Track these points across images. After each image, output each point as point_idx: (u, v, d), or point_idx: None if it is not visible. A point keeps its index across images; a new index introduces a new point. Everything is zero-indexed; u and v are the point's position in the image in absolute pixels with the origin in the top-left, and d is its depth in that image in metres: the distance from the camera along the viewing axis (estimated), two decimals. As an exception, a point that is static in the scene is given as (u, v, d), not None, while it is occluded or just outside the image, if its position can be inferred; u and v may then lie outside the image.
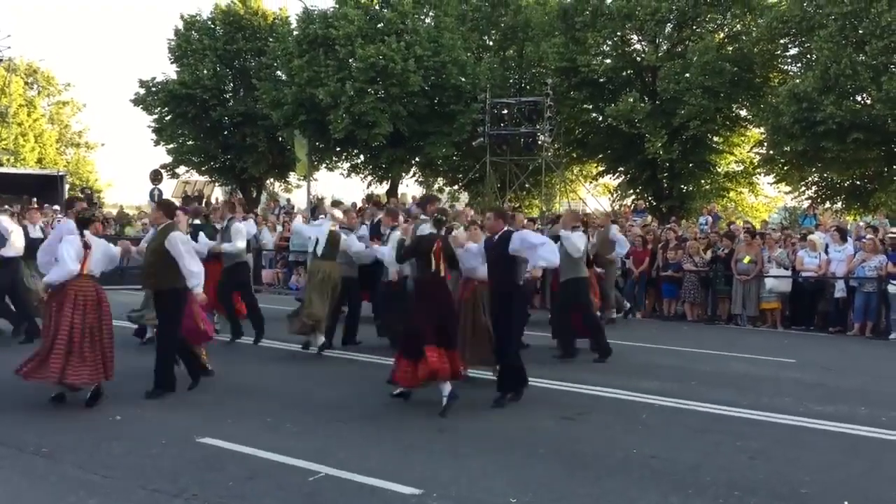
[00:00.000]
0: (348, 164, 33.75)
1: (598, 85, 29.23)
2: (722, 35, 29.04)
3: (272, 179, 37.91)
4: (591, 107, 30.67)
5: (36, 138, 43.93)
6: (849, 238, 15.32)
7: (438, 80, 28.88)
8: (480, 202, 30.31)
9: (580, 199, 33.44)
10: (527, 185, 32.03)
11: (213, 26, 33.32)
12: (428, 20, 30.81)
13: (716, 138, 29.91)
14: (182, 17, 33.53)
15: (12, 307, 11.27)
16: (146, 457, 5.98)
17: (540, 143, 29.06)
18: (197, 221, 11.07)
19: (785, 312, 15.11)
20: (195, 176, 35.38)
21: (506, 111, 29.61)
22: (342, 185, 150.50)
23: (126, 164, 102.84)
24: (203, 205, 16.03)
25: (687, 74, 26.66)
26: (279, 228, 21.06)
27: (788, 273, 14.92)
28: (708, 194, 29.66)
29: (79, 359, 7.26)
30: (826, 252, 14.87)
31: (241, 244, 11.10)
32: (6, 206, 16.38)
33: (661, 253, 16.20)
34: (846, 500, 5.38)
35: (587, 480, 5.67)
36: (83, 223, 7.70)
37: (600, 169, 33.87)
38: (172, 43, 33.27)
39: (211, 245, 10.58)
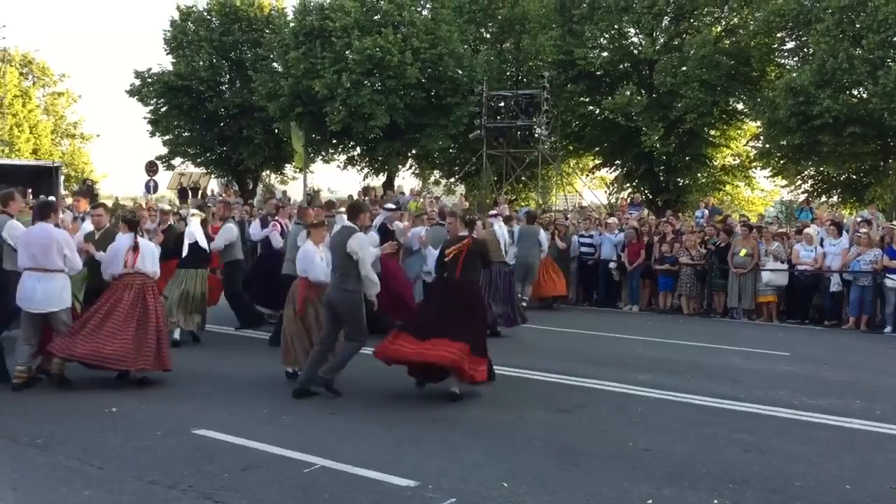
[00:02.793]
0: (344, 157, 33.73)
1: (595, 78, 29.22)
2: (719, 28, 29.04)
3: (268, 171, 37.79)
4: (587, 100, 30.63)
5: (31, 129, 43.68)
6: (844, 232, 15.34)
7: (435, 72, 28.80)
8: (477, 195, 30.30)
9: (577, 191, 33.45)
10: (523, 178, 31.96)
11: (209, 17, 33.19)
12: (425, 12, 30.73)
13: (712, 132, 29.92)
14: (178, 7, 33.51)
15: None
16: (141, 448, 5.98)
17: (536, 135, 28.98)
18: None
19: (781, 306, 15.13)
20: (191, 167, 35.29)
21: (502, 104, 29.55)
22: (338, 177, 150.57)
23: (122, 155, 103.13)
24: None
25: (684, 68, 26.65)
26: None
27: (784, 266, 14.93)
28: (704, 188, 29.70)
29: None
30: (822, 246, 14.89)
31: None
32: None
33: (657, 246, 16.21)
34: (839, 492, 5.39)
35: (581, 472, 5.68)
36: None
37: (597, 162, 33.88)
38: (168, 34, 33.16)
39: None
